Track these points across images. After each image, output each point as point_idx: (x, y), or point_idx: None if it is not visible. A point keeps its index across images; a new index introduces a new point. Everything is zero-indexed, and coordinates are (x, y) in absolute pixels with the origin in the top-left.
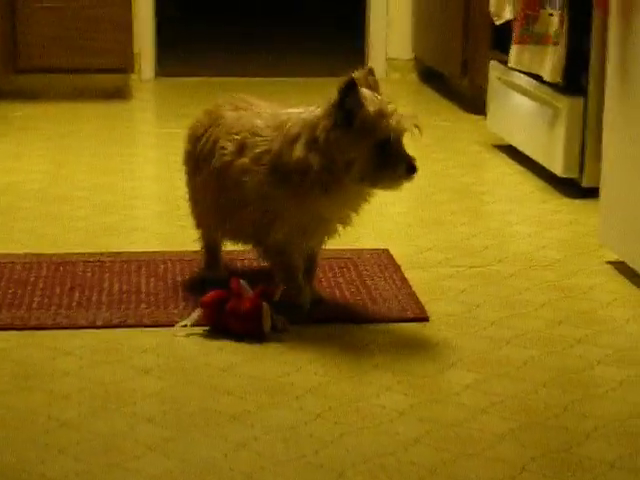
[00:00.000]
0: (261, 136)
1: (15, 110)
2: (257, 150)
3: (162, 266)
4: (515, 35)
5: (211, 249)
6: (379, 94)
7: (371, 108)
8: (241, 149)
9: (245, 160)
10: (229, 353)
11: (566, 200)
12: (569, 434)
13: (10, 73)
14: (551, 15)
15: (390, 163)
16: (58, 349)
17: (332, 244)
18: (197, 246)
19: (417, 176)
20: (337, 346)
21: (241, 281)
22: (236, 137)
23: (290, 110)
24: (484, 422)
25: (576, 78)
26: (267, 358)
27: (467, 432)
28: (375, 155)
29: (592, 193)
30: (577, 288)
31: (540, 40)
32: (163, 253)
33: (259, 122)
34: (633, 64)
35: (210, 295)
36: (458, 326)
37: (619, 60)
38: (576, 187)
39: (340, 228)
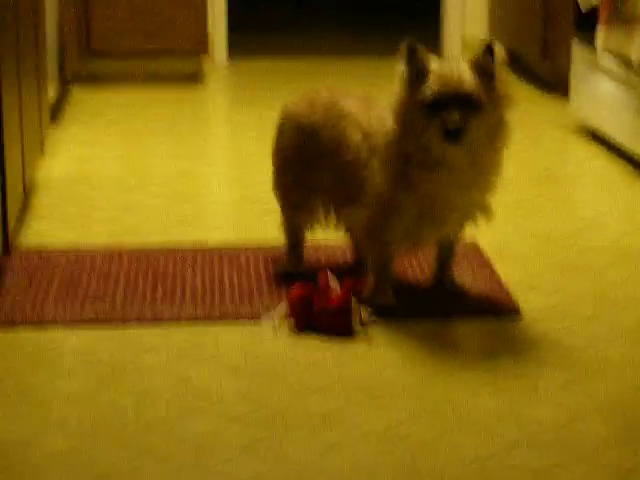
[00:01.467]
0: (384, 126)
1: (89, 94)
2: (382, 141)
3: (243, 257)
4: (603, 16)
5: (296, 241)
6: (492, 74)
7: (430, 68)
8: (367, 139)
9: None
10: (317, 350)
11: None
12: None
13: (84, 57)
14: None
15: (430, 127)
16: (144, 345)
17: None
18: (279, 239)
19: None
20: (428, 344)
21: (329, 274)
22: (364, 127)
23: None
24: (585, 424)
25: None
26: (356, 356)
27: (569, 435)
28: (426, 117)
29: None
30: None
31: (629, 21)
32: (244, 243)
33: (380, 112)
34: None
35: (297, 289)
36: (552, 321)
37: None
38: None
39: (475, 214)
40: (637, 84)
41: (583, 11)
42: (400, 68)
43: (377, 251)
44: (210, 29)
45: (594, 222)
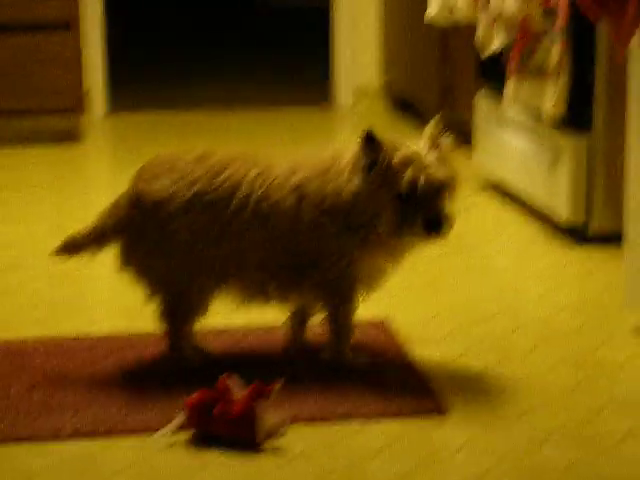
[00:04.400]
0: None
1: None
2: (319, 200)
3: (132, 352)
4: (511, 67)
5: (183, 324)
6: (439, 151)
7: (394, 158)
8: (300, 200)
9: (311, 212)
10: (219, 470)
11: (573, 249)
12: None
13: None
14: (550, 45)
15: (408, 219)
16: (18, 472)
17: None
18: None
19: None
20: (346, 454)
21: (230, 379)
22: (291, 187)
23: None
24: None
25: (579, 113)
26: (263, 476)
27: None
28: (397, 209)
29: (601, 240)
30: (606, 363)
31: (540, 73)
32: (133, 335)
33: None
34: None
35: (195, 396)
36: (479, 421)
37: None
38: (581, 233)
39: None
40: (547, 137)
41: (482, 57)
42: (359, 159)
43: (346, 311)
44: (89, 84)
45: (512, 296)
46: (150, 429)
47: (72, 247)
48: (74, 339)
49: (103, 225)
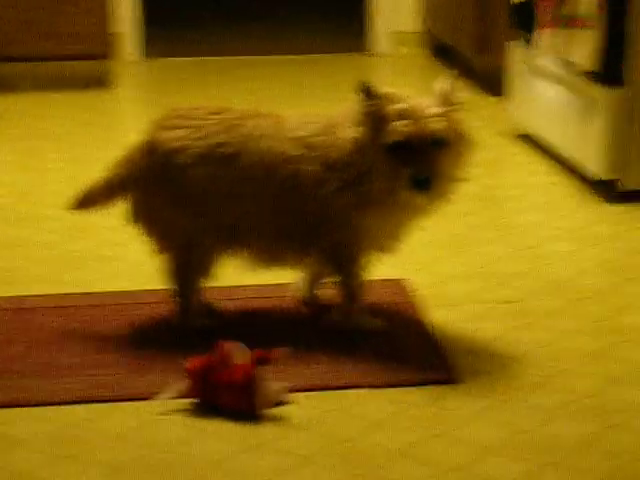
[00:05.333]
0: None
1: None
2: (324, 154)
3: (138, 312)
4: (543, 17)
5: (192, 282)
6: (448, 106)
7: (389, 109)
8: (305, 154)
9: (316, 166)
10: (217, 440)
11: (605, 206)
12: None
13: None
14: None
15: (396, 173)
16: (11, 438)
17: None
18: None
19: None
20: (349, 425)
21: (230, 344)
22: (298, 139)
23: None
24: None
25: (614, 66)
26: (262, 446)
27: None
28: (387, 161)
29: (633, 197)
30: (629, 330)
31: (572, 23)
32: (141, 292)
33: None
34: None
35: (195, 362)
36: (494, 391)
37: None
38: (613, 190)
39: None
40: (581, 89)
41: (513, 1)
42: (357, 111)
43: (352, 272)
44: (119, 26)
45: (538, 255)
46: (150, 395)
47: (86, 200)
48: (79, 295)
49: (117, 177)
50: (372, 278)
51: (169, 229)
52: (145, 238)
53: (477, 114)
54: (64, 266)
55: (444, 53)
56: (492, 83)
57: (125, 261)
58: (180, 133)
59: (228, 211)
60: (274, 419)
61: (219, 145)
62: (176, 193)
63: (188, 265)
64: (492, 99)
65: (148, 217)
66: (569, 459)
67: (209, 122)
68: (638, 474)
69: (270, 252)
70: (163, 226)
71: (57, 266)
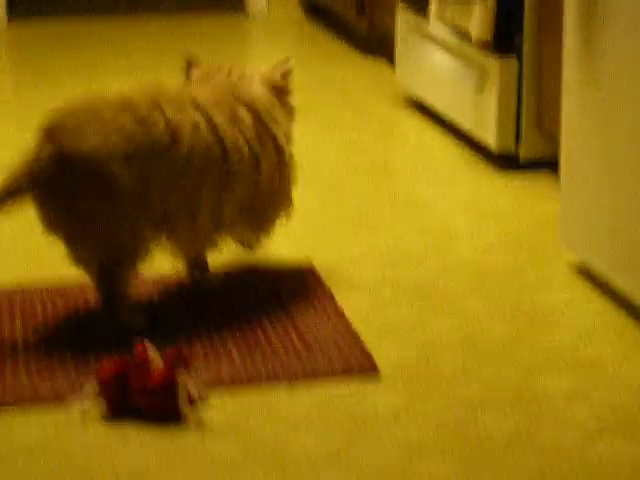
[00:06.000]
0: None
1: None
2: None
3: (40, 307)
4: None
5: (124, 285)
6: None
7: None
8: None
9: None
10: (139, 451)
11: (503, 177)
12: None
13: None
14: None
15: None
16: None
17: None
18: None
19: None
20: (272, 429)
21: (147, 345)
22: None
23: None
24: None
25: (508, 36)
26: (187, 455)
27: None
28: None
29: (531, 166)
30: (545, 310)
31: None
32: (39, 285)
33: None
34: (597, 18)
35: (107, 367)
36: (417, 383)
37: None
38: (511, 160)
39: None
40: (474, 58)
41: None
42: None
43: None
44: None
45: (441, 231)
46: (62, 398)
47: None
48: None
49: (17, 183)
50: (284, 261)
51: (96, 236)
52: (65, 246)
53: (363, 81)
54: None
55: (323, 15)
56: (375, 45)
57: (19, 251)
58: (97, 139)
59: (166, 205)
60: (196, 424)
61: (146, 143)
62: (104, 203)
63: (119, 269)
64: (377, 63)
65: (70, 227)
66: (499, 456)
67: (125, 119)
68: (568, 470)
69: (208, 236)
70: (89, 234)
71: None
